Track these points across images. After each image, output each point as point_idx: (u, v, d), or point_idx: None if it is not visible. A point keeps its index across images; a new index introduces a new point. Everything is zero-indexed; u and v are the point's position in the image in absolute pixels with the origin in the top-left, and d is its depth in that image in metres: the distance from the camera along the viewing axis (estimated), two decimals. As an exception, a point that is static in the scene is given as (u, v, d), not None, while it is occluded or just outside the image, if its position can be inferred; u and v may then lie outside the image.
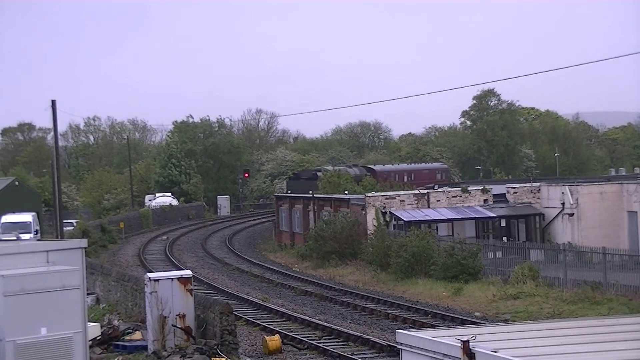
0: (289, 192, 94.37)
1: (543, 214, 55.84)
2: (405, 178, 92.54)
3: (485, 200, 57.46)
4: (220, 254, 64.81)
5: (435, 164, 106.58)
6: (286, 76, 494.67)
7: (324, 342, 30.09)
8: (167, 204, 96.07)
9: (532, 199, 57.34)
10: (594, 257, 41.15)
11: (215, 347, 25.60)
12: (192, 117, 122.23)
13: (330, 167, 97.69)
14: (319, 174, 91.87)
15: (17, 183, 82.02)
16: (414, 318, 34.71)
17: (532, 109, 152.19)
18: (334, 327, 32.67)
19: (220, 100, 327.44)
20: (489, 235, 54.94)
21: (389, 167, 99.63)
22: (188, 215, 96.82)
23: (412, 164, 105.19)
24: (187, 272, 27.72)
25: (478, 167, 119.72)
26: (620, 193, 52.12)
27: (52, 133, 71.64)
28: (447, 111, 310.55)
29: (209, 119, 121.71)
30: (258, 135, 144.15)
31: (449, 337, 12.75)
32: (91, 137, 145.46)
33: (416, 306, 37.40)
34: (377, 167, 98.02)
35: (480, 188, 58.68)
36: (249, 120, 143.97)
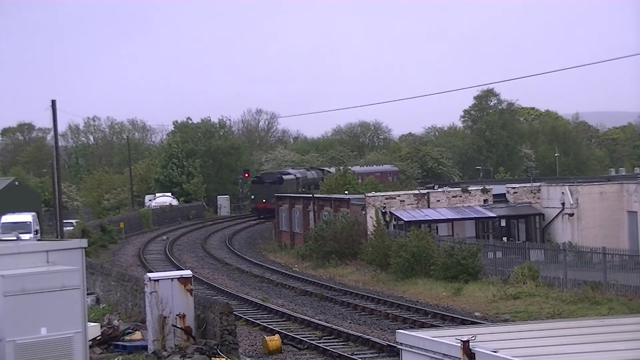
0: (252, 197, 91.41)
1: (543, 214, 55.84)
2: (360, 180, 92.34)
3: (485, 200, 57.46)
4: (220, 254, 64.80)
5: (386, 166, 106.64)
6: (286, 76, 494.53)
7: (324, 342, 30.10)
8: (167, 204, 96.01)
9: (532, 199, 57.34)
10: (594, 257, 41.16)
11: (215, 347, 25.61)
12: (192, 120, 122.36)
13: (291, 170, 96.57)
14: (284, 177, 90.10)
15: (17, 183, 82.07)
16: (414, 318, 34.72)
17: (532, 109, 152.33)
18: (334, 327, 32.68)
19: (220, 100, 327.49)
20: (489, 235, 54.93)
21: None
22: (188, 215, 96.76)
23: (365, 166, 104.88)
24: (187, 272, 27.74)
25: (478, 167, 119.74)
26: (620, 193, 52.12)
27: (52, 133, 71.69)
28: (447, 111, 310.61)
29: (210, 120, 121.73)
30: (258, 136, 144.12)
31: (449, 337, 12.76)
32: (91, 137, 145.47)
33: (416, 306, 37.40)
34: (334, 170, 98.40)
35: (480, 188, 58.68)
36: (249, 120, 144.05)
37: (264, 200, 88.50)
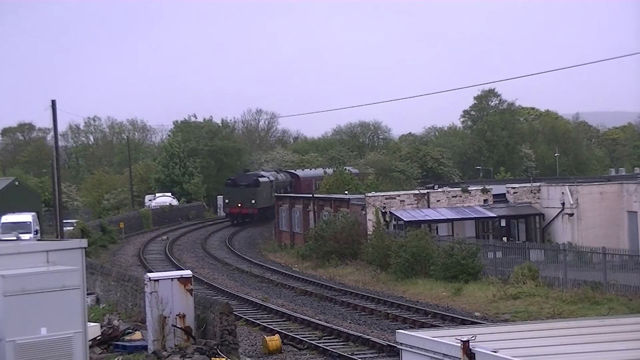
0: (226, 201, 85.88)
1: (543, 214, 55.86)
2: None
3: (485, 200, 57.49)
4: (220, 254, 64.82)
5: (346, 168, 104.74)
6: (286, 76, 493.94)
7: (324, 342, 30.10)
8: (167, 204, 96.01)
9: (532, 199, 57.37)
10: (594, 257, 41.18)
11: (215, 347, 25.61)
12: (195, 117, 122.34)
13: (264, 172, 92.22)
14: (261, 180, 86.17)
15: (17, 183, 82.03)
16: (414, 318, 34.73)
17: (532, 109, 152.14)
18: (334, 327, 32.69)
19: (221, 100, 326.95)
20: (489, 235, 54.97)
21: (309, 172, 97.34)
22: (188, 215, 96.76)
23: (328, 169, 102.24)
24: (187, 272, 27.74)
25: (478, 167, 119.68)
26: (620, 193, 52.16)
27: (52, 133, 71.67)
28: (447, 111, 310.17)
29: (212, 119, 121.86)
30: (258, 136, 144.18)
31: (449, 337, 12.76)
32: (91, 137, 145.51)
33: (416, 306, 37.41)
34: (300, 173, 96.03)
35: (480, 188, 58.71)
36: (249, 120, 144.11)
37: (239, 205, 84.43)
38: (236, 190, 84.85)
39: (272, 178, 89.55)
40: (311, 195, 68.72)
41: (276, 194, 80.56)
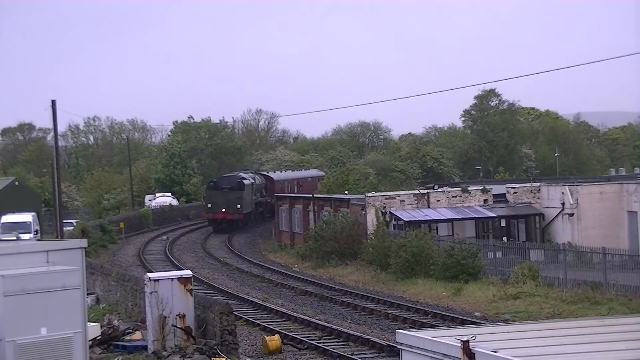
0: (209, 205, 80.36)
1: (543, 214, 55.85)
2: (296, 186, 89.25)
3: (485, 200, 57.48)
4: (220, 254, 64.81)
5: (312, 171, 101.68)
6: (286, 76, 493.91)
7: (324, 342, 30.11)
8: (167, 204, 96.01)
9: (532, 199, 57.36)
10: (594, 257, 41.19)
11: (215, 347, 25.62)
12: (193, 118, 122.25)
13: (243, 174, 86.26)
14: (245, 182, 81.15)
15: (17, 183, 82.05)
16: (414, 318, 34.73)
17: (532, 109, 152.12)
18: (334, 327, 32.69)
19: (221, 100, 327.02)
20: (489, 235, 54.96)
21: (282, 175, 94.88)
22: (188, 215, 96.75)
23: (299, 171, 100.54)
24: (187, 272, 27.76)
25: (478, 167, 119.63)
26: (620, 193, 52.15)
27: (52, 133, 71.64)
28: (447, 111, 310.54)
29: (210, 120, 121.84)
30: (258, 136, 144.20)
31: (449, 337, 12.77)
32: (91, 137, 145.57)
33: (416, 306, 37.42)
34: (274, 176, 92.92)
35: (480, 188, 58.70)
36: (249, 120, 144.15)
37: (223, 210, 79.06)
38: (219, 194, 79.47)
39: (252, 180, 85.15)
40: (311, 195, 68.74)
41: (276, 194, 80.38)
